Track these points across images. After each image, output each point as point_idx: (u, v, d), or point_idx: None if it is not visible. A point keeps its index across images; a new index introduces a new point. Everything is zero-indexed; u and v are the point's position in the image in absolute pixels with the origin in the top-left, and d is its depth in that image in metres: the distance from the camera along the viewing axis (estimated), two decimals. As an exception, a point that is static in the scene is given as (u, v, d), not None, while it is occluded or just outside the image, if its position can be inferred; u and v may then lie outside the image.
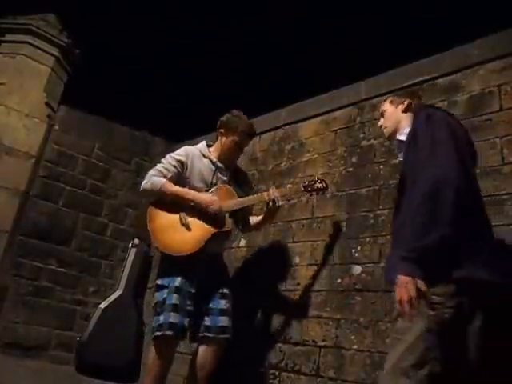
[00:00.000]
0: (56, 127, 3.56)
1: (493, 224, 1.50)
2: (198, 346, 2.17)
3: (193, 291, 2.09)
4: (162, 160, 2.24)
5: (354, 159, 2.53)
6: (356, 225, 2.33)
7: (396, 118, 1.73)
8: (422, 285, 1.29)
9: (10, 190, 3.24)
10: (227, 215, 2.21)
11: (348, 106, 2.70)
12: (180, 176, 2.21)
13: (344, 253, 2.32)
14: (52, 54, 3.64)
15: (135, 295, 3.30)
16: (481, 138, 2.00)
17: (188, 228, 2.13)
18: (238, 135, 2.29)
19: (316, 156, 2.77)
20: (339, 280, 2.28)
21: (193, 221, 2.15)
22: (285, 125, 3.10)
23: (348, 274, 2.25)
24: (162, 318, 2.02)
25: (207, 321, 2.11)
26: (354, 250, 2.27)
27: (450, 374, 1.26)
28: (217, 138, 2.37)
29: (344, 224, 2.40)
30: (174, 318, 2.00)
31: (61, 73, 3.76)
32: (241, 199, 2.25)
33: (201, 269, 2.12)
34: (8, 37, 3.57)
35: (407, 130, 1.59)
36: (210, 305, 2.14)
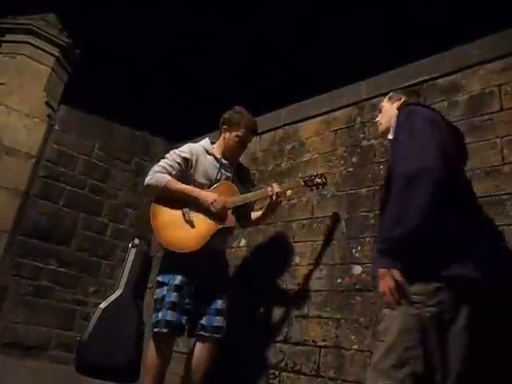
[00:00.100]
0: (56, 127, 3.56)
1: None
2: (194, 344, 2.20)
3: (192, 289, 2.09)
4: (166, 156, 2.24)
5: (354, 159, 2.53)
6: (356, 225, 2.33)
7: (390, 115, 1.73)
8: (397, 275, 1.30)
9: (10, 190, 3.24)
10: (230, 211, 2.22)
11: (348, 105, 2.70)
12: (184, 173, 2.20)
13: (344, 253, 2.32)
14: (52, 54, 3.63)
15: (135, 295, 3.30)
16: (481, 137, 2.00)
17: (191, 225, 2.13)
18: (241, 131, 2.30)
19: (316, 156, 2.77)
20: (339, 280, 2.28)
21: (196, 217, 2.15)
22: (285, 125, 3.10)
23: (348, 273, 2.25)
24: (160, 314, 2.04)
25: (203, 320, 2.12)
26: (354, 250, 2.27)
27: (433, 373, 1.25)
28: (220, 135, 2.38)
29: (344, 224, 2.40)
30: (170, 315, 2.01)
31: (61, 73, 3.76)
32: (243, 195, 2.26)
33: (202, 267, 2.12)
34: (8, 37, 3.57)
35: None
36: (208, 304, 2.14)
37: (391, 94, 1.84)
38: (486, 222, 1.52)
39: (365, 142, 2.52)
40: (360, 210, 2.34)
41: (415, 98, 1.79)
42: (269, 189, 2.25)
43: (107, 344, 3.00)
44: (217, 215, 2.16)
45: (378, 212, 2.24)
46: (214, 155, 2.29)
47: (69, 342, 3.26)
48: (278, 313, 2.49)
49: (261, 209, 2.44)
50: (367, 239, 2.25)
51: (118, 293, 3.23)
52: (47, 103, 3.53)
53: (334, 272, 2.32)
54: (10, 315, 3.09)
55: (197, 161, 2.24)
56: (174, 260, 2.11)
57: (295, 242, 2.61)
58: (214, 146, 2.36)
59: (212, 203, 2.14)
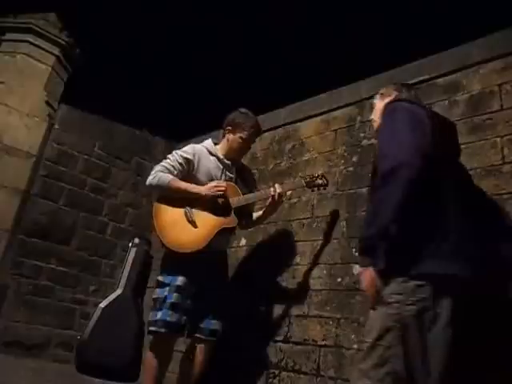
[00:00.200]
0: (56, 126, 3.56)
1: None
2: (190, 345, 2.23)
3: (194, 290, 2.10)
4: (169, 156, 2.25)
5: (354, 159, 2.53)
6: (356, 224, 2.32)
7: (381, 113, 1.69)
8: (371, 274, 1.32)
9: (11, 189, 3.24)
10: (232, 211, 2.22)
11: (348, 105, 2.71)
12: (186, 173, 2.21)
13: (344, 252, 2.32)
14: (52, 53, 3.63)
15: (135, 295, 3.30)
16: (481, 137, 2.00)
17: (194, 225, 2.14)
18: (245, 133, 2.31)
19: (316, 155, 2.78)
20: (340, 279, 2.28)
21: (198, 217, 2.15)
22: (285, 124, 3.11)
23: (348, 273, 2.25)
24: (159, 314, 2.04)
25: (201, 322, 2.13)
26: (354, 250, 2.27)
27: (413, 372, 1.24)
28: (223, 136, 2.38)
29: (344, 223, 2.40)
30: (170, 316, 2.02)
31: (61, 72, 3.76)
32: (246, 196, 2.27)
33: (203, 268, 2.13)
34: (8, 36, 3.56)
35: None
36: (206, 306, 2.16)
37: (383, 89, 1.81)
38: (476, 218, 1.46)
39: (365, 142, 2.52)
40: (360, 210, 2.34)
41: (407, 91, 1.74)
42: (271, 189, 2.26)
43: (107, 343, 3.00)
44: (220, 214, 2.17)
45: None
46: (216, 156, 2.30)
47: (69, 341, 3.27)
48: (278, 312, 2.50)
49: (261, 209, 2.44)
50: (367, 238, 2.24)
51: (118, 292, 3.23)
52: (47, 102, 3.53)
53: (335, 271, 2.32)
54: (11, 314, 3.09)
55: (199, 161, 2.24)
56: (176, 260, 2.11)
57: (295, 242, 2.62)
58: (217, 146, 2.37)
59: (215, 188, 2.15)
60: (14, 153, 3.30)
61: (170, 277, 2.10)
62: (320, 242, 2.47)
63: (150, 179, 2.18)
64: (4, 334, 3.03)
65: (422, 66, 2.42)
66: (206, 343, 2.15)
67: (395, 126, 1.40)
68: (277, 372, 2.36)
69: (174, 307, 2.03)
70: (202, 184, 2.21)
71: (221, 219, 2.17)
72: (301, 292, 2.44)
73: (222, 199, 2.19)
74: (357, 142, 2.56)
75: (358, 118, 2.62)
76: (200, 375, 2.17)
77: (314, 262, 2.44)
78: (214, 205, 2.18)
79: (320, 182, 2.29)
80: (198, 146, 2.31)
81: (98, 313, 3.09)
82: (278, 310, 2.51)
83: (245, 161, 3.01)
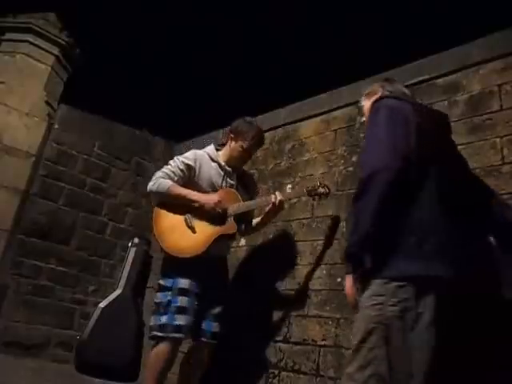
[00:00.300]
0: (56, 126, 3.55)
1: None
2: (191, 346, 2.24)
3: (196, 291, 2.10)
4: (170, 162, 2.26)
5: (354, 159, 2.53)
6: (356, 224, 2.32)
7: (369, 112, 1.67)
8: (350, 280, 1.38)
9: (10, 189, 3.24)
10: (232, 218, 2.22)
11: (348, 105, 2.70)
12: (187, 180, 2.22)
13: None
14: (52, 53, 3.63)
15: (135, 294, 3.30)
16: (481, 137, 2.00)
17: (193, 230, 2.15)
18: (246, 142, 2.31)
19: (316, 155, 2.77)
20: (339, 279, 2.28)
21: (198, 223, 2.16)
22: (285, 124, 3.11)
23: (348, 273, 2.25)
24: (164, 318, 2.02)
25: (203, 325, 2.13)
26: (354, 250, 2.27)
27: (397, 373, 1.23)
28: (226, 142, 2.39)
29: (344, 224, 2.40)
30: (180, 319, 2.00)
31: (61, 72, 3.76)
32: (246, 203, 2.27)
33: (203, 271, 2.12)
34: (8, 35, 3.56)
35: None
36: (207, 309, 2.16)
37: (368, 89, 1.78)
38: (468, 217, 1.43)
39: (365, 142, 2.51)
40: (360, 210, 2.34)
41: (391, 86, 1.70)
42: (272, 196, 2.25)
43: (107, 343, 3.00)
44: (219, 221, 2.17)
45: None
46: (218, 162, 2.31)
47: (69, 341, 3.26)
48: (277, 312, 2.50)
49: (260, 216, 2.44)
50: (367, 239, 2.24)
51: (117, 292, 3.24)
52: (47, 102, 3.53)
53: (334, 271, 2.32)
54: (10, 314, 3.09)
55: (200, 168, 2.25)
56: (176, 264, 2.12)
57: (295, 242, 2.61)
58: (220, 152, 2.37)
59: (216, 204, 2.15)
60: (14, 153, 3.29)
61: (172, 280, 2.10)
62: (320, 242, 2.47)
63: (150, 185, 2.20)
64: (4, 333, 3.02)
65: (422, 66, 2.42)
66: (208, 346, 2.16)
67: (375, 130, 1.40)
68: (276, 372, 2.36)
69: (181, 311, 2.02)
70: (203, 190, 2.22)
71: (220, 225, 2.18)
72: (300, 292, 2.44)
73: (222, 206, 2.19)
74: (357, 141, 2.55)
75: (358, 118, 2.61)
76: (200, 377, 2.19)
77: (314, 262, 2.44)
78: (214, 211, 2.18)
79: (322, 190, 2.26)
80: (199, 152, 2.31)
81: (97, 313, 3.09)
82: (277, 310, 2.50)
83: (244, 161, 3.02)
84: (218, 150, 2.39)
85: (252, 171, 3.09)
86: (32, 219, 3.31)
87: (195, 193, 2.19)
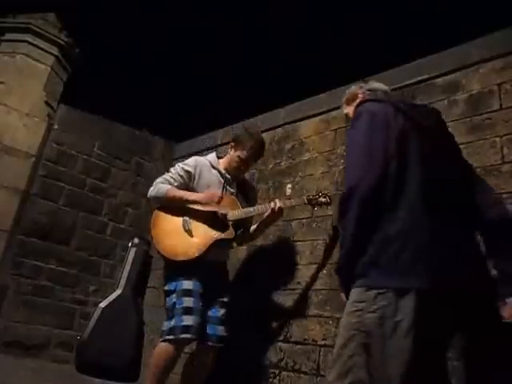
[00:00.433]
0: (56, 126, 3.55)
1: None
2: (196, 348, 2.23)
3: (202, 292, 2.10)
4: (171, 169, 2.29)
5: (353, 158, 2.52)
6: (356, 224, 2.32)
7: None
8: (343, 296, 1.42)
9: (10, 189, 3.24)
10: (230, 224, 2.23)
11: (348, 105, 2.70)
12: (187, 186, 2.24)
13: (344, 252, 2.32)
14: (52, 53, 3.62)
15: (135, 294, 3.30)
16: (481, 136, 2.00)
17: (190, 234, 2.15)
18: (243, 152, 2.30)
19: (316, 155, 2.77)
20: (339, 279, 2.27)
21: (196, 227, 2.17)
22: (285, 124, 3.11)
23: (348, 272, 2.25)
24: (173, 321, 2.01)
25: (207, 328, 2.13)
26: (354, 249, 2.27)
27: (376, 380, 1.23)
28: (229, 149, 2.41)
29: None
30: (188, 320, 1.99)
31: (60, 72, 3.76)
32: (246, 209, 2.27)
33: (204, 273, 2.13)
34: (7, 36, 3.56)
35: None
36: (211, 312, 2.16)
37: (346, 95, 1.78)
38: (456, 219, 1.41)
39: (364, 141, 2.51)
40: (360, 209, 2.34)
41: (369, 87, 1.69)
42: (271, 204, 2.25)
43: (107, 343, 3.01)
44: (217, 225, 2.18)
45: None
46: (218, 170, 2.32)
47: (69, 342, 3.27)
48: (278, 312, 2.50)
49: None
50: (367, 238, 2.24)
51: (117, 292, 3.24)
52: (47, 102, 3.53)
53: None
54: (11, 314, 3.09)
55: (200, 174, 2.26)
56: (177, 267, 2.12)
57: (295, 241, 2.61)
58: (221, 160, 2.39)
59: (211, 198, 2.18)
60: (14, 153, 3.29)
61: (175, 283, 2.10)
62: (320, 242, 2.47)
63: (150, 191, 2.23)
64: (4, 333, 3.02)
65: (422, 65, 2.42)
66: (214, 349, 2.16)
67: (355, 136, 1.42)
68: (277, 372, 2.36)
69: (188, 311, 2.01)
70: None
71: (218, 230, 2.18)
72: (301, 292, 2.44)
73: (221, 212, 2.19)
74: (356, 141, 2.55)
75: (358, 118, 2.61)
76: (205, 380, 2.19)
77: (314, 262, 2.44)
78: (213, 217, 2.19)
79: (323, 200, 2.23)
80: (200, 159, 2.33)
81: (97, 313, 3.10)
82: (277, 309, 2.50)
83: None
84: (219, 157, 2.41)
85: (252, 171, 3.09)
86: (32, 219, 3.31)
87: (193, 193, 2.21)
